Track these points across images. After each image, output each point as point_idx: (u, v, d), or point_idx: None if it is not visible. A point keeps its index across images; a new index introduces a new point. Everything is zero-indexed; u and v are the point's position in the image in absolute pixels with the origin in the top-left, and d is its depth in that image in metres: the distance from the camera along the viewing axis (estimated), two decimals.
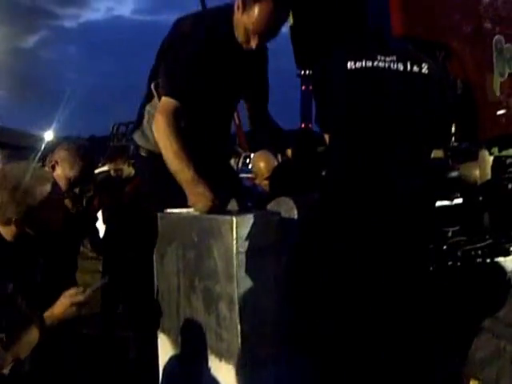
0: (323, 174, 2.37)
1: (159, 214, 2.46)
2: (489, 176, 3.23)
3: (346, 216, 2.08)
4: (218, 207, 2.24)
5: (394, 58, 2.14)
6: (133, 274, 2.84)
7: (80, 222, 2.87)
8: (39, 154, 3.00)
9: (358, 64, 2.14)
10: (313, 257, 2.15)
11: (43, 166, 2.77)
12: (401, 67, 2.15)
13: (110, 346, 2.89)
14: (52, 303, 1.92)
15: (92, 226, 3.12)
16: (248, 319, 2.06)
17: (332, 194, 2.18)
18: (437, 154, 2.92)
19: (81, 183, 2.80)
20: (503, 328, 0.80)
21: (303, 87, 3.98)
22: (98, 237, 3.36)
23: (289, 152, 2.92)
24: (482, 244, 2.93)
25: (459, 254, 2.81)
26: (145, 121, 2.61)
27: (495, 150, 3.33)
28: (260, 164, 3.69)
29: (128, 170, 4.00)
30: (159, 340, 2.51)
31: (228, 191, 2.51)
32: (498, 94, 3.26)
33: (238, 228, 2.05)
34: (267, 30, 2.38)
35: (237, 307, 2.04)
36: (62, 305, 1.93)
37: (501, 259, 2.90)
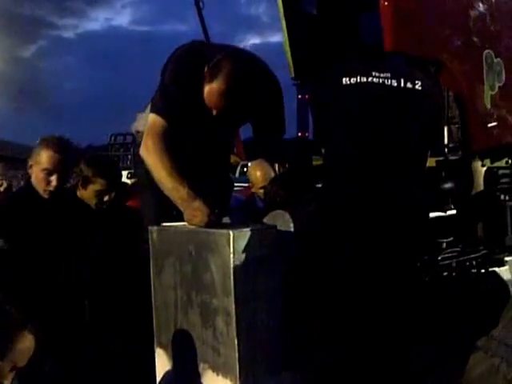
0: (320, 186, 2.36)
1: (156, 228, 2.44)
2: (481, 187, 3.22)
3: (343, 229, 2.07)
4: (215, 222, 2.21)
5: (389, 74, 2.16)
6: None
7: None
8: None
9: (353, 80, 2.15)
10: (310, 270, 2.12)
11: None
12: (395, 83, 2.15)
13: (104, 360, 2.84)
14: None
15: None
16: (245, 333, 2.03)
17: (329, 207, 2.17)
18: (430, 164, 2.91)
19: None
20: (497, 346, 0.79)
21: (299, 96, 3.98)
22: None
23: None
24: (476, 255, 2.91)
25: (454, 264, 2.79)
26: None
27: (487, 162, 3.33)
28: (256, 173, 3.68)
29: None
30: (156, 354, 2.47)
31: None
32: (489, 106, 3.27)
33: (235, 242, 2.03)
34: (220, 107, 2.35)
35: (234, 321, 2.01)
36: None
37: (495, 269, 2.88)
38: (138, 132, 2.79)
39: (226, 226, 2.22)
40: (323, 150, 2.31)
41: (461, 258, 2.84)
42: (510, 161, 3.47)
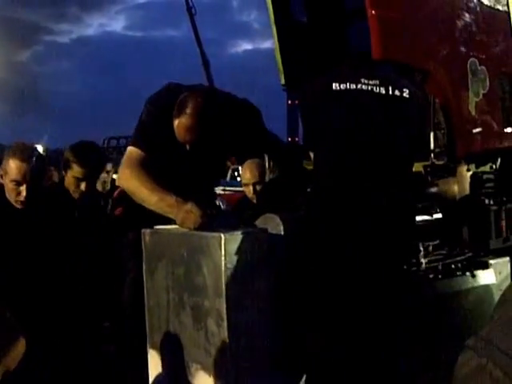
0: (309, 190, 2.37)
1: (149, 231, 2.44)
2: (467, 191, 3.25)
3: (332, 231, 2.08)
4: (207, 224, 2.22)
5: (377, 81, 2.18)
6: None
7: None
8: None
9: (343, 86, 2.17)
10: (300, 271, 2.14)
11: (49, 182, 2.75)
12: (383, 91, 2.18)
13: (96, 361, 2.83)
14: None
15: None
16: (236, 335, 2.04)
17: (318, 211, 2.18)
18: (417, 169, 2.94)
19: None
20: (485, 345, 0.80)
21: (289, 102, 3.99)
22: None
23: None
24: (462, 257, 2.93)
25: (439, 267, 2.81)
26: None
27: (472, 167, 3.36)
28: (248, 172, 3.73)
29: None
30: (149, 355, 2.47)
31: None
32: (473, 113, 3.30)
33: (227, 244, 2.04)
34: (189, 141, 2.40)
35: (225, 323, 2.02)
36: None
37: (479, 272, 2.90)
38: None
39: (217, 229, 2.23)
40: (312, 155, 2.32)
41: (446, 261, 2.87)
42: (494, 166, 3.51)
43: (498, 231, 3.23)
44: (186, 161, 2.48)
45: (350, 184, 2.14)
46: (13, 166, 2.57)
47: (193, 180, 2.53)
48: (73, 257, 2.76)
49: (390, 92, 2.20)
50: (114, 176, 4.21)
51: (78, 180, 2.82)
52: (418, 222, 2.75)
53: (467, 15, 3.33)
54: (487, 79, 3.39)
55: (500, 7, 3.53)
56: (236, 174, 12.48)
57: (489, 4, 3.45)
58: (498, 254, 3.08)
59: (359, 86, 2.17)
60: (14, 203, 2.62)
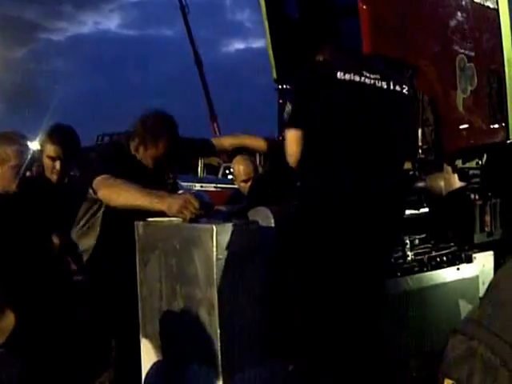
0: (300, 183, 2.36)
1: (142, 223, 2.45)
2: (453, 187, 3.29)
3: (323, 224, 2.09)
4: (204, 214, 2.22)
5: (378, 76, 2.17)
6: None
7: None
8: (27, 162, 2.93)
9: (347, 76, 2.14)
10: (290, 263, 2.16)
11: (30, 174, 2.72)
12: (384, 85, 2.18)
13: (91, 351, 2.83)
14: None
15: None
16: (228, 324, 2.07)
17: (309, 202, 2.17)
18: (406, 165, 2.96)
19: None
20: (475, 329, 0.82)
21: (280, 101, 4.00)
22: None
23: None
24: (447, 251, 2.97)
25: (425, 260, 2.85)
26: None
27: (459, 162, 3.39)
28: (239, 167, 3.78)
29: None
30: (141, 345, 2.49)
31: None
32: (461, 109, 3.33)
33: (218, 236, 2.06)
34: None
35: (217, 312, 2.05)
36: None
37: (464, 265, 2.94)
38: None
39: (209, 220, 2.25)
40: (290, 136, 2.22)
41: (432, 254, 2.90)
42: (480, 162, 3.54)
43: (483, 226, 3.27)
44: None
45: (346, 177, 2.11)
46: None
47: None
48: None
49: (391, 87, 2.20)
50: None
51: (52, 160, 2.83)
52: (406, 215, 2.78)
53: (457, 12, 3.35)
54: (475, 76, 3.41)
55: (490, 4, 3.56)
56: (227, 171, 12.52)
57: (478, 1, 3.47)
58: (483, 247, 3.13)
59: (362, 78, 2.15)
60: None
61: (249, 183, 3.63)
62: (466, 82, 3.38)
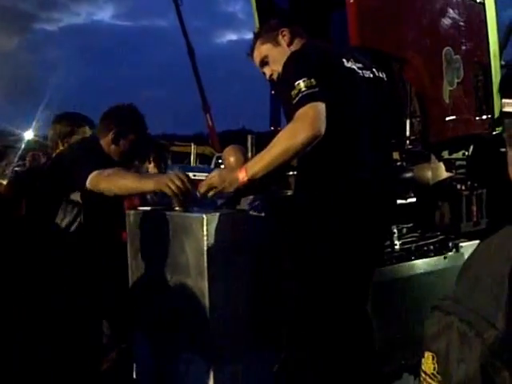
0: (296, 172, 2.30)
1: (133, 212, 2.44)
2: (440, 177, 3.29)
3: (315, 214, 2.07)
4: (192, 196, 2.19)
5: (361, 65, 2.15)
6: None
7: None
8: (19, 152, 2.89)
9: (349, 64, 2.10)
10: (282, 252, 2.14)
11: (24, 163, 2.68)
12: (370, 74, 2.15)
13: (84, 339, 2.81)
14: None
15: None
16: (218, 313, 2.06)
17: (305, 191, 2.13)
18: (393, 156, 2.96)
19: None
20: (452, 305, 0.84)
21: (272, 92, 3.98)
22: None
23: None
24: (434, 240, 2.98)
25: (413, 248, 2.85)
26: None
27: (445, 153, 3.40)
28: (230, 158, 3.74)
29: None
30: (133, 334, 2.48)
31: None
32: (447, 101, 3.33)
33: (209, 225, 2.05)
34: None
35: (207, 301, 2.04)
36: None
37: (451, 254, 2.95)
38: None
39: (200, 209, 2.23)
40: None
41: (419, 243, 2.91)
42: (466, 153, 3.55)
43: (469, 215, 3.29)
44: None
45: (341, 166, 2.07)
46: None
47: None
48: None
49: (377, 74, 2.18)
50: None
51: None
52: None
53: (444, 5, 3.34)
54: (461, 68, 3.41)
55: None
56: (220, 161, 12.54)
57: None
58: (469, 236, 3.14)
59: (353, 66, 2.11)
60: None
61: None
62: (452, 74, 3.38)
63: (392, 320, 2.57)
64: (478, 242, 3.10)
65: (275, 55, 2.25)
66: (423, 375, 0.86)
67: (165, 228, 2.24)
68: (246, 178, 1.97)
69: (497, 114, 3.52)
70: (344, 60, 2.09)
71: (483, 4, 3.60)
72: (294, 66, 2.02)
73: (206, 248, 2.04)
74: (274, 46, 2.26)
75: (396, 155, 3.17)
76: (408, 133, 3.18)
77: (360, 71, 2.12)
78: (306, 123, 1.87)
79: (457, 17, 3.43)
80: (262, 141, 3.06)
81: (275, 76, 2.26)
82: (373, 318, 2.24)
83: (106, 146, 2.56)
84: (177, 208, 2.25)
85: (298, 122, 1.89)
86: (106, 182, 2.38)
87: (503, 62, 3.81)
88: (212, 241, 2.05)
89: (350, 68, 2.09)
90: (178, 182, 2.08)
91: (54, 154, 2.83)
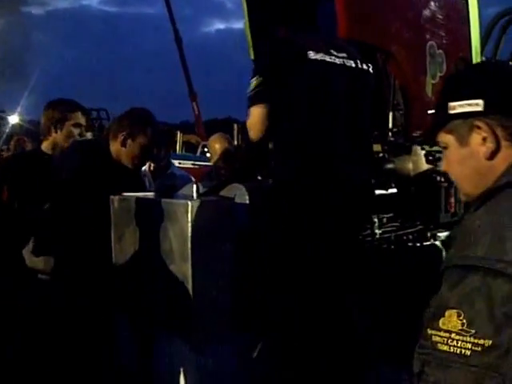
0: (274, 160, 2.31)
1: (117, 197, 2.41)
2: (420, 169, 3.31)
3: (297, 202, 2.07)
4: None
5: (345, 55, 2.14)
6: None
7: None
8: (4, 135, 2.85)
9: (319, 55, 2.09)
10: (264, 239, 2.14)
11: (8, 147, 2.64)
12: (353, 64, 2.15)
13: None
14: None
15: None
16: (201, 298, 2.06)
17: (284, 180, 2.14)
18: (375, 147, 2.97)
19: None
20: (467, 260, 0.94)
21: None
22: None
23: None
24: (413, 230, 3.00)
25: (392, 238, 2.87)
26: None
27: (427, 146, 3.41)
28: (215, 146, 3.75)
29: None
30: (116, 317, 2.47)
31: None
32: (430, 94, 3.34)
33: (193, 212, 2.04)
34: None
35: (190, 286, 2.03)
36: None
37: (429, 243, 2.98)
38: None
39: (184, 196, 2.22)
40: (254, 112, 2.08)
41: (399, 233, 2.93)
42: None
43: (448, 206, 3.31)
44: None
45: (319, 155, 2.08)
46: None
47: None
48: None
49: (359, 65, 2.18)
50: None
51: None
52: (375, 195, 2.79)
53: (429, 0, 3.34)
54: (444, 63, 3.42)
55: None
56: (205, 150, 12.50)
57: None
58: (447, 227, 3.17)
59: (332, 58, 2.10)
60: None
61: (226, 159, 3.59)
62: (435, 68, 3.39)
63: (371, 307, 2.59)
64: None
65: None
66: (446, 334, 0.89)
67: (149, 214, 2.23)
68: None
69: None
70: (311, 52, 2.09)
71: (466, 0, 3.61)
72: (255, 62, 2.09)
73: (190, 234, 2.03)
74: None
75: (378, 147, 3.18)
76: (391, 125, 3.19)
77: (339, 60, 2.12)
78: (250, 126, 2.09)
79: (441, 12, 3.43)
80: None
81: None
82: (353, 304, 2.26)
83: (116, 150, 2.52)
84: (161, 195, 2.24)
85: (248, 121, 2.10)
86: None
87: (484, 58, 3.83)
88: (196, 227, 2.04)
89: (316, 60, 2.09)
90: None
91: (44, 141, 2.80)
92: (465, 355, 0.87)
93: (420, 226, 3.04)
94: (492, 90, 1.08)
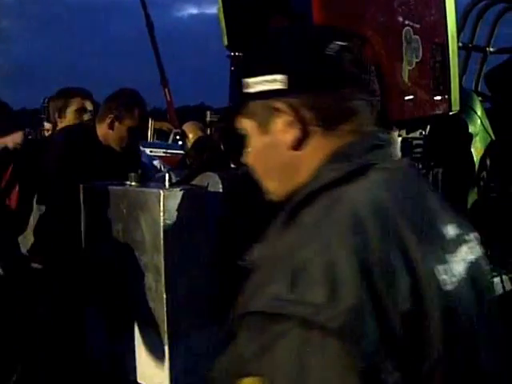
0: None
1: (86, 186, 2.34)
2: (397, 156, 3.30)
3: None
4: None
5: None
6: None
7: None
8: None
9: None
10: (236, 229, 2.11)
11: None
12: None
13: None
14: None
15: None
16: (174, 289, 2.01)
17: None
18: None
19: None
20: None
21: (232, 68, 3.90)
22: None
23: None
24: None
25: None
26: None
27: (403, 132, 3.41)
28: (189, 135, 3.75)
29: None
30: (86, 312, 2.40)
31: None
32: (406, 80, 3.33)
33: (165, 201, 1.99)
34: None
35: (163, 278, 1.98)
36: None
37: None
38: None
39: (156, 185, 2.16)
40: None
41: None
42: (423, 132, 3.58)
43: None
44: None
45: None
46: None
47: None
48: None
49: None
50: None
51: None
52: None
53: None
54: (420, 49, 3.41)
55: None
56: (178, 137, 12.36)
57: None
58: None
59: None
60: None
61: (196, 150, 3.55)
62: (411, 54, 3.37)
63: None
64: None
65: None
66: None
67: (120, 203, 2.16)
68: None
69: (454, 95, 3.55)
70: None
71: None
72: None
73: (162, 224, 1.98)
74: None
75: None
76: None
77: None
78: None
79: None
80: (221, 117, 3.00)
81: None
82: None
83: (104, 133, 2.47)
84: (133, 183, 2.18)
85: None
86: None
87: (460, 44, 3.84)
88: (169, 217, 1.99)
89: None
90: None
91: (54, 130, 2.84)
92: None
93: None
94: (296, 61, 0.87)
